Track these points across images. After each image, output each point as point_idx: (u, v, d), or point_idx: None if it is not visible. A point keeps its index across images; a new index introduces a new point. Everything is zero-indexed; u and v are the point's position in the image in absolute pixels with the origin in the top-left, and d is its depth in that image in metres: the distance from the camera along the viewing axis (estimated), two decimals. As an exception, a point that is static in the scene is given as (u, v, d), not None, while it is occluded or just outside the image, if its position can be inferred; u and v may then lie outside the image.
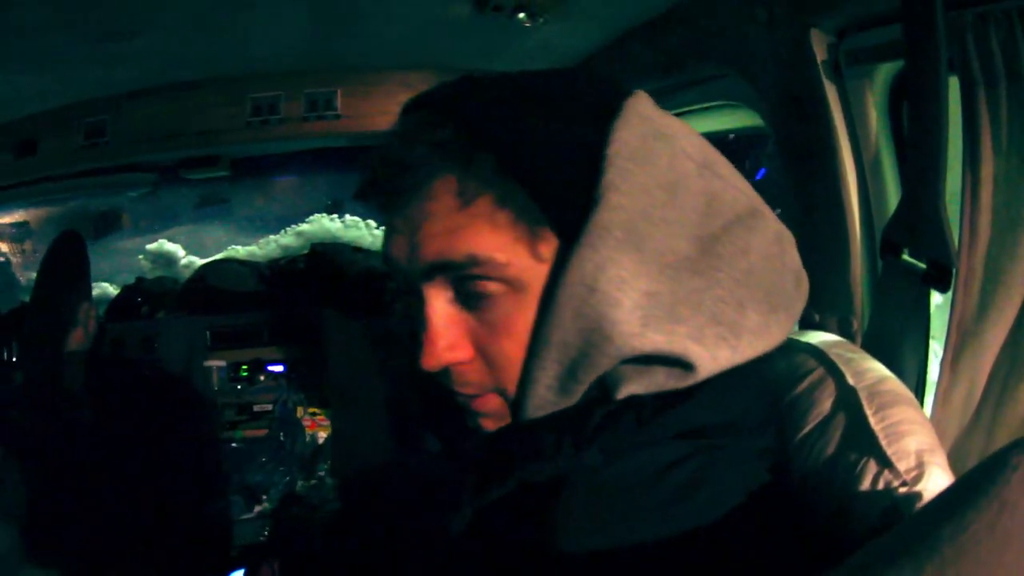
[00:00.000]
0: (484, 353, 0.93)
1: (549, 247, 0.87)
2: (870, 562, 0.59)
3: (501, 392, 0.95)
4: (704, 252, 0.89)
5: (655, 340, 0.85)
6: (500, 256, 0.87)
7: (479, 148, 0.87)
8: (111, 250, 4.05)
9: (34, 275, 4.92)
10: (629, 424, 0.90)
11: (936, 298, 1.52)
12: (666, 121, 0.94)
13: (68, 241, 2.78)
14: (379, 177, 0.93)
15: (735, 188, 0.95)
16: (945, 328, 1.47)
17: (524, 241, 0.87)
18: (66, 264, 2.79)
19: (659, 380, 0.88)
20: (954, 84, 1.38)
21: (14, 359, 3.50)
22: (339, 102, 3.08)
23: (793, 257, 0.98)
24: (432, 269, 0.90)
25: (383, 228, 0.97)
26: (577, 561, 0.85)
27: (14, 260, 5.09)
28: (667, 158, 0.90)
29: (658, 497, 0.86)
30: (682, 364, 0.87)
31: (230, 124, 3.08)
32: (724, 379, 0.90)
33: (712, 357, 0.87)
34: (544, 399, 0.92)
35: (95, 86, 3.00)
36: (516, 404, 0.95)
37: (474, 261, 0.87)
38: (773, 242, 0.95)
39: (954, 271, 1.41)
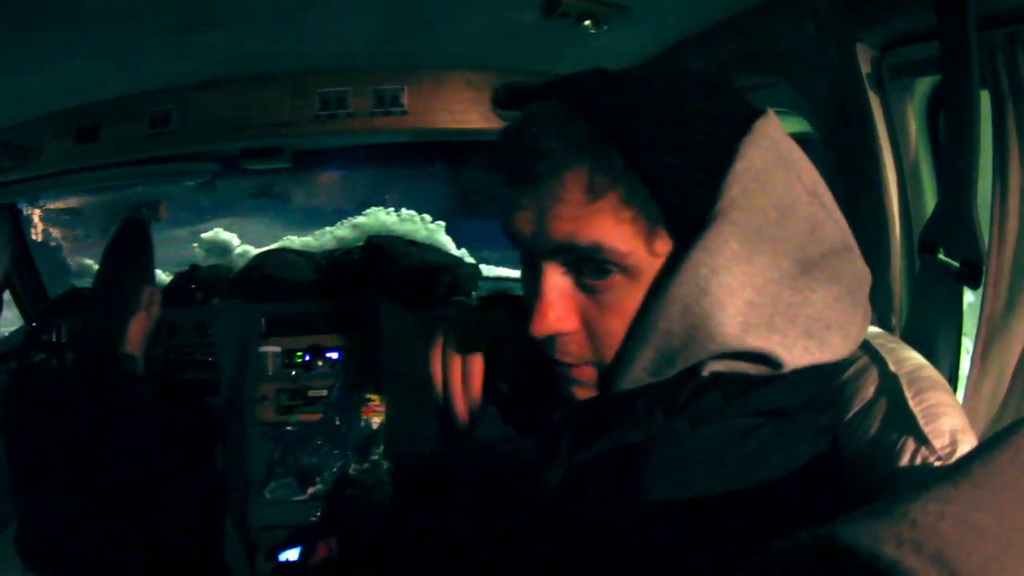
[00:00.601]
0: (590, 328, 1.05)
1: (664, 244, 0.97)
2: (915, 485, 0.65)
3: (598, 364, 1.07)
4: (803, 273, 0.99)
5: (750, 343, 0.96)
6: (622, 247, 0.96)
7: (610, 144, 0.95)
8: (165, 238, 4.17)
9: (85, 261, 5.10)
10: (715, 400, 1.00)
11: (968, 296, 1.63)
12: (788, 145, 1.04)
13: (133, 226, 2.91)
14: (512, 157, 1.02)
15: (834, 221, 1.04)
16: (976, 325, 1.58)
17: (643, 236, 0.97)
18: (131, 249, 2.91)
19: (742, 367, 1.00)
20: (986, 97, 1.49)
21: (64, 341, 3.67)
22: (405, 98, 3.15)
23: (866, 293, 1.08)
24: (557, 250, 1.01)
25: (504, 205, 1.06)
26: (660, 515, 0.95)
27: (65, 246, 5.15)
28: (784, 182, 0.99)
29: (735, 461, 0.97)
30: (768, 362, 0.98)
31: (297, 117, 3.16)
32: (799, 373, 1.00)
33: (797, 361, 0.98)
34: (638, 377, 1.03)
35: (163, 76, 3.08)
36: (611, 377, 1.06)
37: (598, 249, 0.96)
38: (858, 277, 1.05)
39: (984, 270, 1.52)
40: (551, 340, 1.07)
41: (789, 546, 0.60)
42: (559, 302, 1.04)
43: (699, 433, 1.01)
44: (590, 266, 1.00)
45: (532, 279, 1.08)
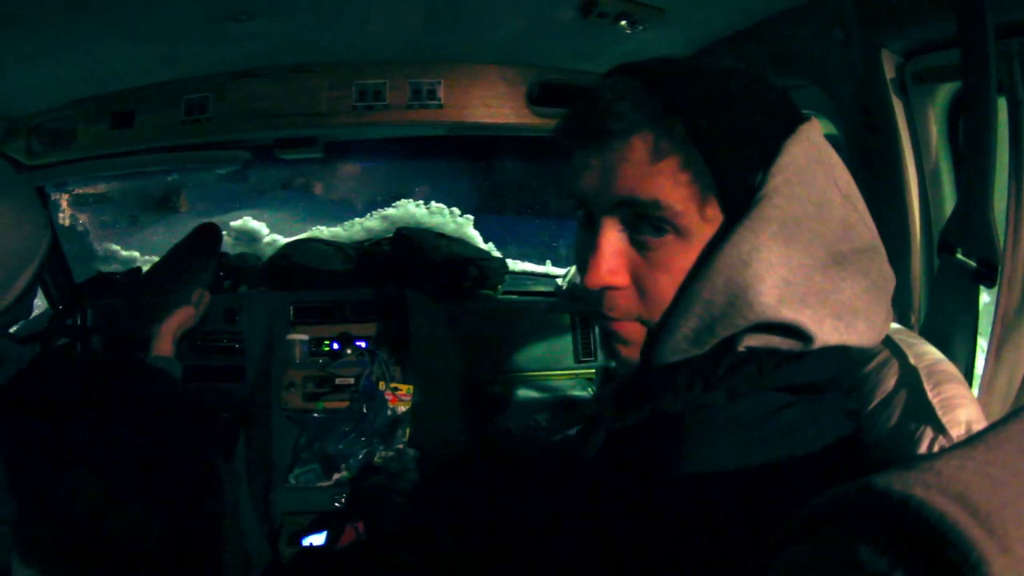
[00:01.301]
0: (640, 285, 1.15)
1: (714, 210, 1.09)
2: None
3: (645, 322, 1.17)
4: (835, 264, 1.09)
5: (785, 314, 1.06)
6: (678, 206, 1.08)
7: (675, 116, 1.09)
8: (194, 225, 4.24)
9: (112, 246, 5.17)
10: (751, 373, 1.10)
11: (984, 297, 1.69)
12: (827, 150, 1.16)
13: (207, 230, 2.99)
14: (586, 120, 1.16)
15: (865, 224, 1.16)
16: (991, 326, 1.65)
17: (697, 200, 1.09)
18: (200, 250, 2.99)
19: (775, 342, 1.10)
20: (1003, 104, 1.56)
21: (89, 325, 3.75)
22: (441, 92, 3.19)
23: (890, 293, 1.18)
24: (620, 203, 1.13)
25: (576, 165, 1.19)
26: (696, 479, 1.03)
27: (92, 230, 5.21)
28: (822, 182, 1.11)
29: (767, 432, 1.05)
30: (800, 336, 1.08)
31: (334, 108, 3.20)
32: (827, 350, 1.11)
33: (826, 337, 1.08)
34: (679, 346, 1.14)
35: (201, 64, 3.12)
36: (654, 344, 1.17)
37: (657, 205, 1.09)
38: (884, 276, 1.17)
39: (999, 269, 1.59)
40: (601, 295, 1.18)
41: (830, 497, 0.68)
42: (613, 257, 1.15)
43: (736, 405, 1.10)
44: (647, 223, 1.12)
45: (589, 239, 1.19)
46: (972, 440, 0.68)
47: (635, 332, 1.20)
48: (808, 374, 1.11)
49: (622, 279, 1.16)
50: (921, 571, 0.57)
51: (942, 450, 0.73)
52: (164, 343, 2.72)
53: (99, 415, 1.98)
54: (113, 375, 2.16)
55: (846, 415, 1.13)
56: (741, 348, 1.11)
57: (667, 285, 1.14)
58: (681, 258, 1.12)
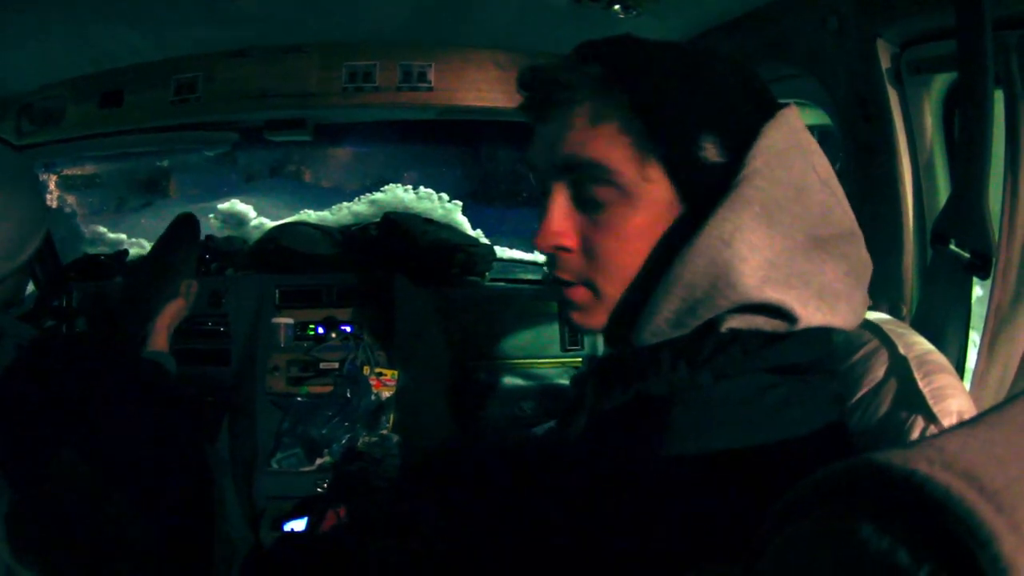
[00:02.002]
0: (587, 247, 1.19)
1: (657, 173, 1.13)
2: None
3: (591, 285, 1.21)
4: (815, 247, 1.11)
5: (769, 295, 1.07)
6: (618, 165, 1.13)
7: (617, 85, 1.14)
8: (182, 210, 4.22)
9: (99, 229, 5.15)
10: (736, 354, 1.10)
11: (977, 290, 1.69)
12: (806, 137, 1.18)
13: (187, 221, 2.97)
14: (537, 92, 1.22)
15: (843, 210, 1.18)
16: (983, 319, 1.65)
17: (636, 161, 1.13)
18: (180, 239, 2.97)
19: (759, 323, 1.10)
20: (1000, 96, 1.56)
21: (74, 305, 3.72)
22: (432, 75, 3.19)
23: (868, 279, 1.20)
24: (564, 166, 1.19)
25: (533, 137, 1.26)
26: (681, 465, 1.02)
27: (80, 212, 5.15)
28: (801, 166, 1.13)
29: (755, 416, 1.05)
30: (784, 317, 1.09)
31: (324, 89, 3.20)
32: (810, 331, 1.11)
33: (810, 318, 1.09)
34: (661, 329, 1.15)
35: (191, 43, 3.11)
36: (635, 328, 1.18)
37: (596, 164, 1.14)
38: (862, 261, 1.19)
39: (993, 262, 1.59)
40: (554, 259, 1.24)
41: (828, 473, 0.66)
42: (561, 220, 1.21)
43: (721, 386, 1.09)
44: (589, 186, 1.17)
45: (543, 203, 1.24)
46: (972, 421, 0.66)
47: (585, 297, 1.23)
48: (793, 355, 1.11)
49: (569, 240, 1.21)
50: (925, 549, 0.55)
51: (941, 432, 0.71)
52: (160, 338, 2.73)
53: (95, 406, 1.96)
54: (111, 369, 2.15)
55: (832, 399, 1.14)
56: (724, 329, 1.12)
57: (613, 248, 1.18)
58: (625, 220, 1.16)
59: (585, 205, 1.19)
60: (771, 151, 1.10)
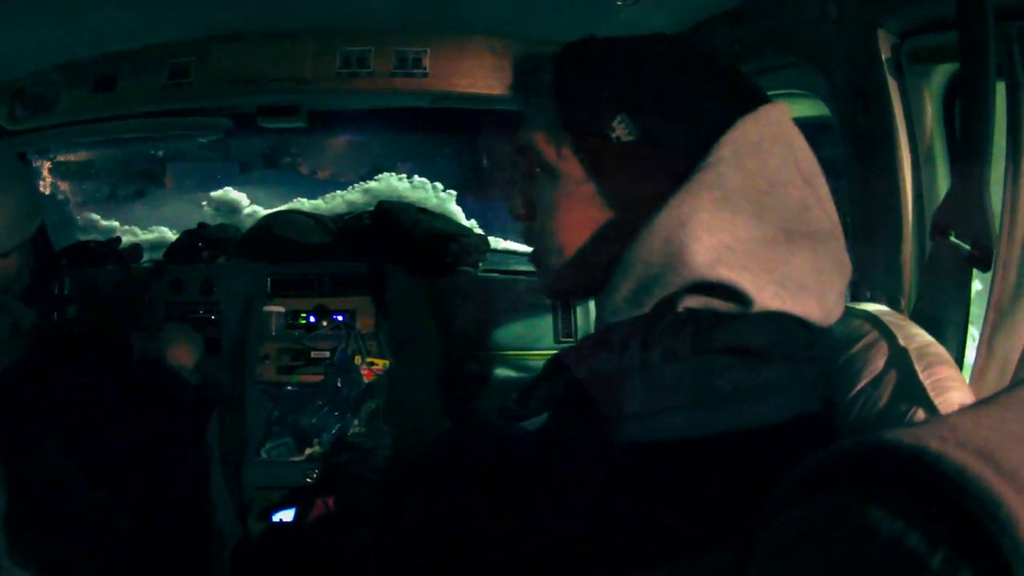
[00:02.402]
0: (536, 222, 1.32)
1: (568, 151, 1.23)
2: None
3: (535, 254, 1.35)
4: (786, 241, 1.12)
5: (721, 273, 1.07)
6: (540, 146, 1.26)
7: (552, 94, 1.25)
8: (175, 199, 4.19)
9: (92, 216, 5.12)
10: (688, 335, 1.08)
11: (976, 285, 1.68)
12: (790, 133, 1.20)
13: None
14: (519, 97, 1.37)
15: (824, 210, 1.18)
16: (982, 314, 1.63)
17: (553, 142, 1.24)
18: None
19: (714, 304, 1.11)
20: (1001, 87, 1.54)
21: (66, 292, 3.75)
22: (427, 61, 3.19)
23: (845, 281, 1.21)
24: (519, 150, 1.32)
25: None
26: (633, 442, 1.03)
27: (72, 199, 5.16)
28: (778, 160, 1.15)
29: (709, 400, 1.04)
30: (739, 298, 1.08)
31: (318, 75, 3.20)
32: (770, 315, 1.10)
33: (765, 302, 1.08)
34: (619, 307, 1.19)
35: (185, 28, 3.11)
36: (599, 310, 1.26)
37: (528, 146, 1.28)
38: (840, 263, 1.19)
39: (994, 255, 1.57)
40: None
41: (829, 454, 0.63)
42: (519, 195, 1.36)
43: (673, 367, 1.07)
44: (531, 163, 1.30)
45: None
46: (982, 402, 0.64)
47: (536, 263, 1.37)
48: (747, 337, 1.09)
49: (523, 212, 1.35)
50: (940, 532, 0.52)
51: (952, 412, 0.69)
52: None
53: (94, 403, 1.96)
54: (110, 366, 2.15)
55: (807, 388, 1.12)
56: (680, 309, 1.12)
57: (545, 218, 1.29)
58: (551, 193, 1.27)
59: (531, 181, 1.32)
60: (742, 142, 1.13)
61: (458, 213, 4.85)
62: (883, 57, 1.89)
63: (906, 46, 1.87)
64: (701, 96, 1.19)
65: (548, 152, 1.25)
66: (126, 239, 4.41)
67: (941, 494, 0.53)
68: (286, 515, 3.17)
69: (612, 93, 1.20)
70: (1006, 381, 1.60)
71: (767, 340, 1.10)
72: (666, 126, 1.17)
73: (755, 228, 1.10)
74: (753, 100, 1.19)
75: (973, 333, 1.69)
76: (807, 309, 1.12)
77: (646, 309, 1.16)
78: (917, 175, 1.90)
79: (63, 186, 5.08)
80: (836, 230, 1.20)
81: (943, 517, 0.52)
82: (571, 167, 1.23)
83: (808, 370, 1.13)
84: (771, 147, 1.15)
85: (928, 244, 1.80)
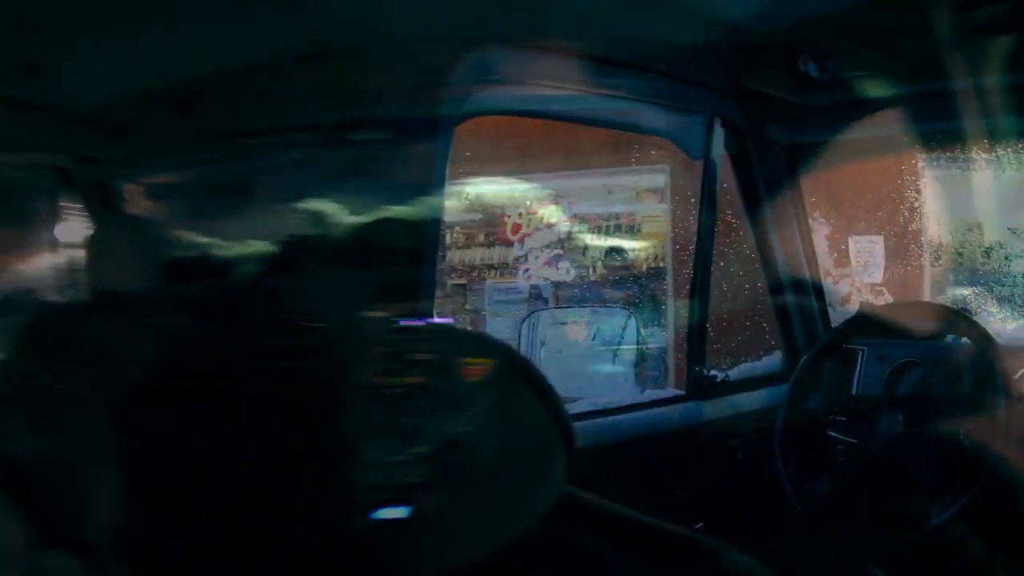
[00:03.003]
0: None
1: None
2: None
3: None
4: None
5: None
6: None
7: None
8: (264, 212, 4.38)
9: (183, 232, 5.28)
10: None
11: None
12: None
13: None
14: None
15: None
16: None
17: None
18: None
19: None
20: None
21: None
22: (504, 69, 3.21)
23: None
24: None
25: None
26: None
27: (163, 219, 5.28)
28: None
29: None
30: None
31: (398, 87, 3.26)
32: None
33: None
34: None
35: (263, 49, 3.05)
36: None
37: None
38: None
39: None
40: None
41: None
42: None
43: None
44: None
45: None
46: None
47: None
48: None
49: None
50: None
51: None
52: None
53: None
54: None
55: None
56: None
57: None
58: None
59: None
60: None
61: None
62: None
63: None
64: None
65: None
66: (218, 254, 4.56)
67: None
68: (393, 513, 3.37)
69: None
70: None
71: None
72: None
73: None
74: None
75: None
76: None
77: None
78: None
79: (150, 205, 5.23)
80: None
81: None
82: None
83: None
84: None
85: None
